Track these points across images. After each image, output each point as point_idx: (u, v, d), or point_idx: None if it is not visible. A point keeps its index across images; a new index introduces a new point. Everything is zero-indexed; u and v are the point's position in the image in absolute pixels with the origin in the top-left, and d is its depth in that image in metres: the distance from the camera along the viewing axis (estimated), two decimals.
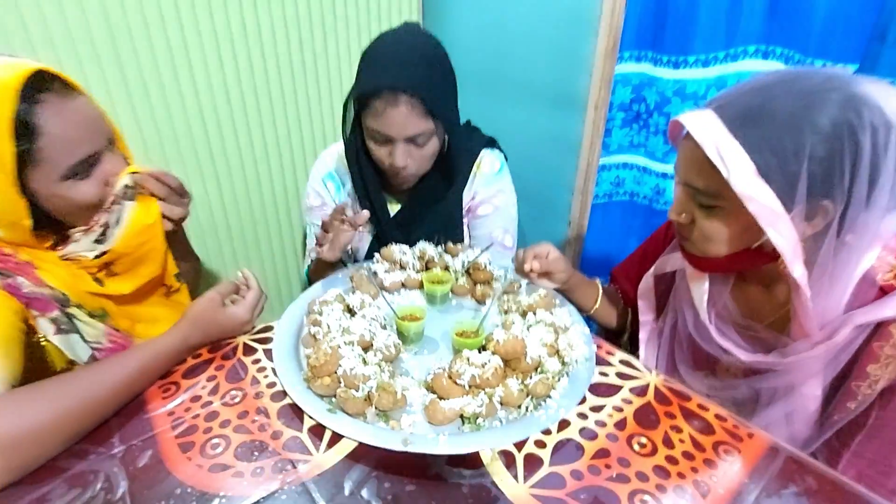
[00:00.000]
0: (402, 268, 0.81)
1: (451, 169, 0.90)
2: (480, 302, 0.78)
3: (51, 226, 0.63)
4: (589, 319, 0.85)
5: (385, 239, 0.91)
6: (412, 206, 0.93)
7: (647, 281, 0.80)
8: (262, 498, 0.46)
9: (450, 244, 0.85)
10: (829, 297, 0.56)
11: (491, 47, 1.18)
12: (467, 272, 0.80)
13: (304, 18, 1.13)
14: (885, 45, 0.86)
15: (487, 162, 0.95)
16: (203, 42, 1.00)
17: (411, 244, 0.84)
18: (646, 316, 0.81)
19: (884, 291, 0.55)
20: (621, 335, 0.91)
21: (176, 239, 0.79)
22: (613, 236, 1.37)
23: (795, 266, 0.53)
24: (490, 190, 0.95)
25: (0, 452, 0.45)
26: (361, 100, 0.79)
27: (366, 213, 0.78)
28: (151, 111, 0.98)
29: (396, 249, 0.81)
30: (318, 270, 0.90)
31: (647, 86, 1.14)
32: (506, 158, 1.00)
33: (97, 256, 0.65)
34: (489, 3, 1.25)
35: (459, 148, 0.90)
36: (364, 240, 0.98)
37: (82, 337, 0.62)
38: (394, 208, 0.96)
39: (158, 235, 0.69)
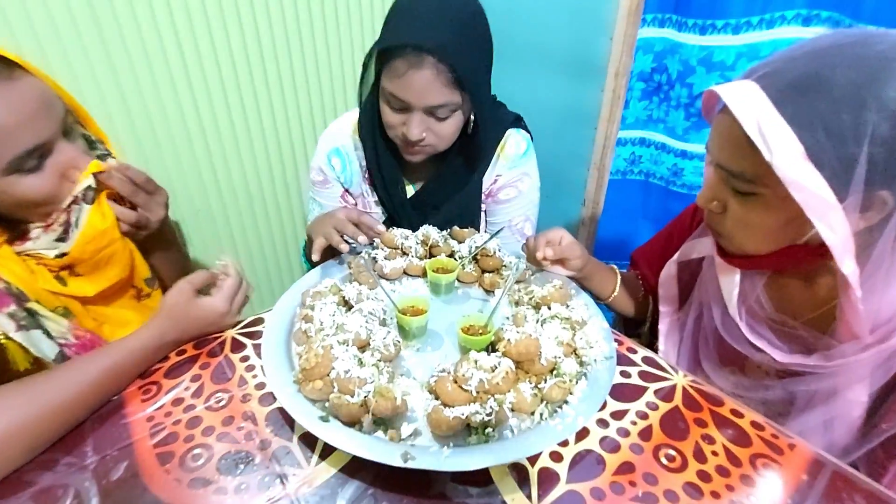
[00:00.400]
0: (404, 254, 0.75)
1: (476, 151, 0.81)
2: (489, 291, 0.72)
3: (2, 221, 0.57)
4: (605, 307, 0.79)
5: (398, 223, 0.83)
6: (431, 189, 0.85)
7: (669, 269, 0.73)
8: None
9: (456, 228, 0.78)
10: (883, 296, 0.49)
11: (502, 7, 1.07)
12: (475, 259, 0.73)
13: None
14: None
15: (513, 143, 0.86)
16: (193, 20, 0.91)
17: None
18: (666, 307, 0.75)
19: None
20: (641, 325, 0.85)
21: (158, 238, 0.72)
22: (628, 216, 1.29)
23: (846, 262, 0.46)
24: (514, 173, 0.87)
25: None
26: (382, 57, 0.70)
27: (364, 240, 0.70)
28: (141, 95, 0.91)
29: (398, 234, 0.75)
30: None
31: (670, 53, 1.04)
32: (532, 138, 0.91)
33: (58, 256, 0.59)
34: None
35: (485, 128, 0.80)
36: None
37: (47, 333, 0.57)
38: (409, 191, 0.88)
39: (116, 239, 0.63)
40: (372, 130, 0.80)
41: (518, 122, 0.89)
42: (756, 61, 1.01)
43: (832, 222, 0.44)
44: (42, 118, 0.54)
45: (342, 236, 0.69)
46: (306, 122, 1.18)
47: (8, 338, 0.54)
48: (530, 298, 0.64)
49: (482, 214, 0.91)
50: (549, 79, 1.14)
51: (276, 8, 1.01)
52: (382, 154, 0.80)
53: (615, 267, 0.81)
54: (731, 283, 0.61)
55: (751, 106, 0.45)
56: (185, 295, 0.58)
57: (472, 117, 0.78)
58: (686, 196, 1.16)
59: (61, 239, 0.60)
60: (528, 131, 0.90)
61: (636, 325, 0.86)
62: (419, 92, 0.68)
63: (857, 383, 0.54)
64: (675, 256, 0.73)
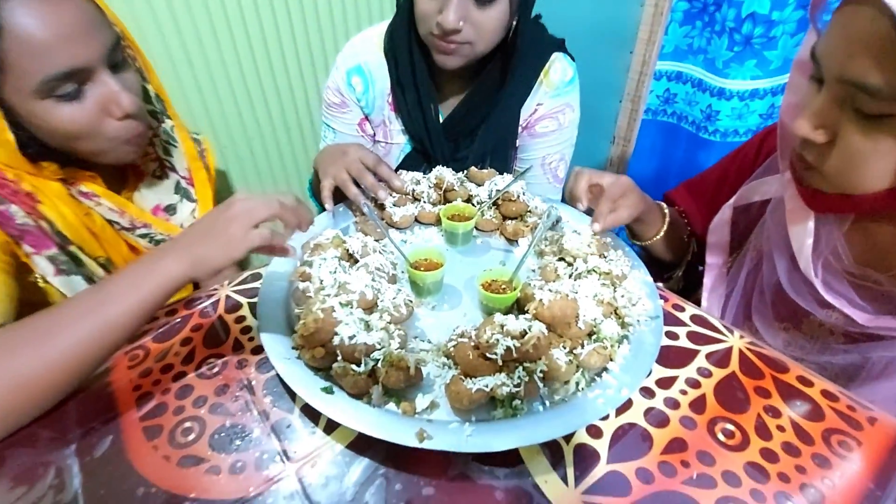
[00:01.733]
0: (416, 200, 0.66)
1: (515, 68, 0.70)
2: (512, 241, 0.63)
3: (52, 155, 0.55)
4: (637, 248, 0.70)
5: (427, 150, 0.74)
6: (465, 110, 0.74)
7: (723, 213, 0.64)
8: (242, 501, 0.37)
9: (473, 169, 0.68)
10: None
11: None
12: (495, 204, 0.64)
13: None
14: None
15: (558, 68, 0.75)
16: None
17: (458, 163, 0.68)
18: (715, 258, 0.66)
19: None
20: (672, 269, 0.76)
21: None
22: (655, 158, 1.17)
23: None
24: (557, 102, 0.76)
25: None
26: None
27: (384, 195, 0.63)
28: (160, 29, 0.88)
29: (408, 178, 0.66)
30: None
31: None
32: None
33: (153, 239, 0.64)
34: None
35: (527, 44, 0.69)
36: (393, 153, 0.81)
37: (88, 279, 0.56)
38: (442, 115, 0.77)
39: None
40: (407, 38, 0.69)
41: (562, 45, 0.77)
42: None
43: None
44: (82, 41, 0.49)
45: (357, 185, 0.61)
46: (318, 46, 1.09)
47: (46, 281, 0.53)
48: (560, 252, 0.56)
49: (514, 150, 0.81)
50: None
51: None
52: (418, 63, 0.70)
53: (664, 205, 0.71)
54: (803, 230, 0.51)
55: None
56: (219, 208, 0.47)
57: (514, 24, 0.66)
58: (718, 144, 1.03)
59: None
60: (574, 59, 0.77)
61: (666, 269, 0.77)
62: None
63: None
64: (733, 200, 0.63)
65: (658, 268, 0.78)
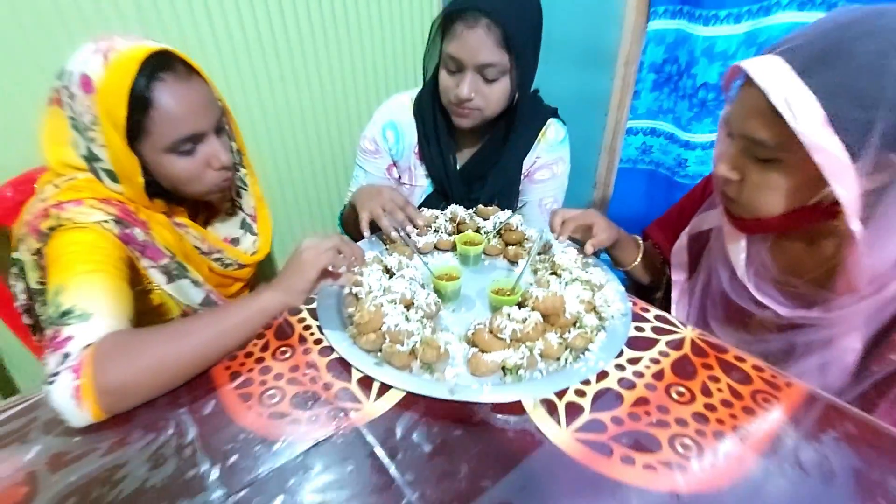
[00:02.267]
0: (435, 231, 0.82)
1: (516, 129, 0.89)
2: (513, 262, 0.79)
3: (162, 195, 0.70)
4: (623, 276, 0.86)
5: (446, 192, 0.91)
6: (477, 161, 0.93)
7: (681, 240, 0.80)
8: (320, 441, 0.49)
9: (480, 206, 0.85)
10: (882, 251, 0.53)
11: None
12: (499, 233, 0.81)
13: None
14: None
15: (553, 130, 0.95)
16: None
17: (471, 202, 0.85)
18: (678, 275, 0.81)
19: None
20: (654, 291, 0.91)
21: None
22: (638, 201, 1.35)
23: (854, 220, 0.51)
24: (552, 156, 0.95)
25: (106, 393, 0.50)
26: (445, 24, 0.79)
27: (412, 230, 0.79)
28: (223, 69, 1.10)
29: (429, 213, 0.82)
30: (351, 222, 0.91)
31: (681, 44, 1.09)
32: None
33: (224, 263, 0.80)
34: None
35: (527, 111, 0.89)
36: (416, 193, 0.98)
37: (193, 282, 0.70)
38: (459, 163, 0.96)
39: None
40: (432, 103, 0.89)
41: (556, 112, 0.97)
42: (754, 48, 1.06)
43: (846, 182, 0.49)
44: (202, 114, 0.66)
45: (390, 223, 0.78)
46: (353, 105, 1.34)
47: (161, 288, 0.66)
48: (552, 268, 0.71)
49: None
50: (563, 68, 1.20)
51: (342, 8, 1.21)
52: (440, 124, 0.89)
53: (639, 238, 0.87)
54: (738, 248, 0.67)
55: (777, 78, 0.50)
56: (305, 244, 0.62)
57: (516, 96, 0.85)
58: (689, 186, 1.22)
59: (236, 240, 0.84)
60: (565, 122, 0.98)
61: (650, 293, 0.93)
62: (472, 50, 0.76)
63: (853, 331, 0.59)
64: (687, 229, 0.79)
65: (643, 291, 0.93)
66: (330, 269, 0.60)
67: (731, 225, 0.66)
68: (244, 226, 0.85)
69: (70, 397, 0.49)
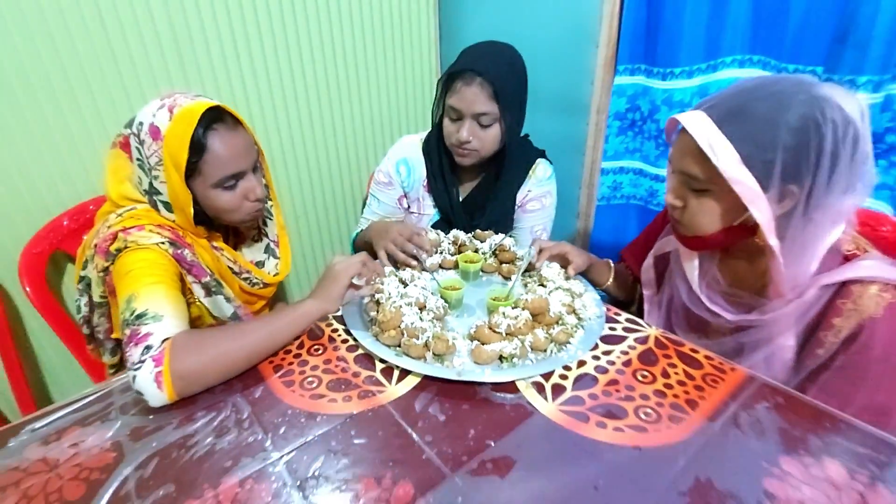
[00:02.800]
0: (439, 252, 0.96)
1: (510, 168, 1.06)
2: (506, 278, 0.92)
3: (205, 222, 0.83)
4: (603, 294, 0.99)
5: (451, 220, 1.06)
6: (477, 193, 1.09)
7: (648, 261, 0.94)
8: (355, 414, 0.61)
9: (478, 231, 0.99)
10: (799, 264, 0.66)
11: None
12: (494, 253, 0.95)
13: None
14: (845, 46, 0.99)
15: (542, 168, 1.11)
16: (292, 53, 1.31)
17: (472, 229, 1.00)
18: (648, 291, 0.95)
19: (847, 259, 0.67)
20: (630, 305, 1.05)
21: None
22: (616, 229, 1.52)
23: (771, 237, 0.64)
24: (541, 190, 1.11)
25: (180, 378, 0.61)
26: (448, 81, 0.97)
27: (425, 256, 0.92)
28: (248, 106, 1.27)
29: (433, 236, 0.96)
30: (363, 249, 1.04)
31: (641, 95, 1.29)
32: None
33: (251, 282, 0.92)
34: (500, 23, 1.41)
35: (519, 152, 1.07)
36: (424, 221, 1.13)
37: (226, 297, 0.82)
38: (461, 196, 1.12)
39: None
40: (437, 145, 1.06)
41: (544, 154, 1.14)
42: (706, 98, 1.26)
43: (760, 207, 0.63)
44: (244, 157, 0.78)
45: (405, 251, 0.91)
46: (366, 146, 1.54)
47: (200, 301, 0.79)
48: (540, 278, 0.85)
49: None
50: (544, 116, 1.39)
51: (352, 62, 1.42)
52: (445, 163, 1.06)
53: (610, 261, 1.02)
54: (692, 266, 0.80)
55: (703, 128, 0.65)
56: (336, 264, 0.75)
57: (507, 143, 1.02)
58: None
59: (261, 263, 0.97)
60: (552, 162, 1.15)
61: (626, 307, 1.06)
62: (469, 102, 0.94)
63: (786, 331, 0.70)
64: (652, 250, 0.93)
65: (621, 306, 1.06)
66: (355, 281, 0.74)
67: (680, 244, 0.81)
68: (268, 250, 0.97)
69: (152, 381, 0.60)
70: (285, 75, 1.30)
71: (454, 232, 0.98)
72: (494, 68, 0.93)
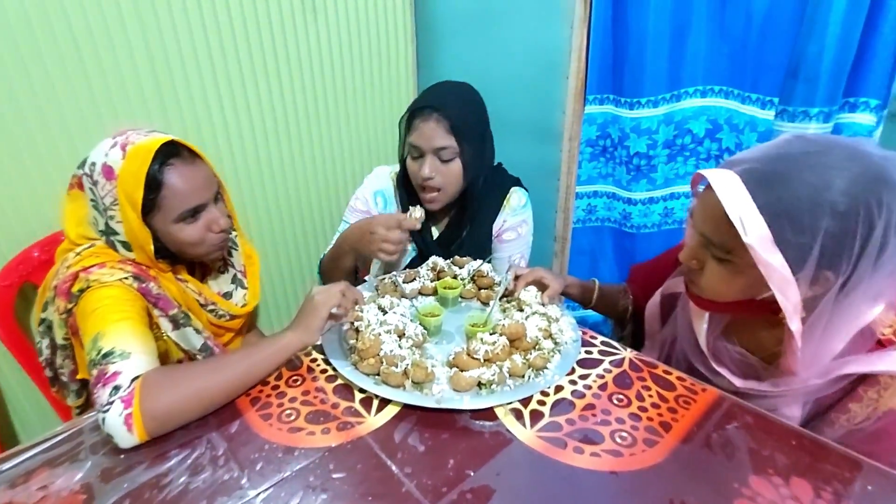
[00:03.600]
0: (417, 280, 0.97)
1: (483, 199, 1.08)
2: (485, 303, 0.94)
3: (168, 257, 0.81)
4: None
5: (427, 257, 1.06)
6: (452, 230, 1.11)
7: (655, 297, 0.88)
8: (333, 447, 0.60)
9: (457, 257, 1.01)
10: (821, 345, 0.59)
11: (485, 90, 1.39)
12: (473, 279, 0.96)
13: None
14: (797, 81, 1.07)
15: (516, 197, 1.13)
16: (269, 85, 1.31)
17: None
18: (651, 328, 0.90)
19: (881, 345, 0.60)
20: (625, 324, 1.03)
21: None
22: (593, 251, 1.56)
23: (794, 321, 0.58)
24: (516, 220, 1.13)
25: (152, 417, 0.60)
26: (409, 120, 1.00)
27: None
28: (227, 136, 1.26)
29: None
30: (332, 267, 1.04)
31: (611, 123, 1.35)
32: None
33: (218, 314, 0.89)
34: (475, 56, 1.46)
35: (492, 182, 1.10)
36: (405, 254, 1.13)
37: (195, 329, 0.79)
38: (434, 233, 1.13)
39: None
40: (405, 185, 1.08)
41: (518, 182, 1.17)
42: (671, 126, 1.32)
43: (788, 293, 0.56)
44: (204, 189, 0.77)
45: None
46: (344, 175, 1.55)
47: (167, 336, 0.76)
48: (519, 302, 0.86)
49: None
50: (519, 144, 1.44)
51: (322, 101, 1.41)
52: (414, 203, 1.06)
53: (595, 281, 1.01)
54: (701, 320, 0.74)
55: (733, 193, 0.56)
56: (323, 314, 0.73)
57: (477, 177, 1.04)
58: (635, 235, 1.43)
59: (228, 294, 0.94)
60: (527, 189, 1.17)
61: (623, 328, 1.04)
62: (428, 137, 0.96)
63: (793, 404, 0.66)
64: (661, 288, 0.87)
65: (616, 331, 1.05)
66: (334, 311, 0.74)
67: (692, 302, 0.73)
68: (235, 281, 0.95)
69: (122, 423, 0.58)
70: (265, 105, 1.30)
71: (433, 258, 0.99)
72: (450, 103, 0.97)
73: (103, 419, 0.59)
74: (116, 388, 0.60)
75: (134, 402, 0.59)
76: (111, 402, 0.59)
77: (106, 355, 0.63)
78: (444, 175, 1.00)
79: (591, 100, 1.30)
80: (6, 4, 0.90)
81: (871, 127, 1.04)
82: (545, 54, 1.30)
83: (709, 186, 0.60)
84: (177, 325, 0.79)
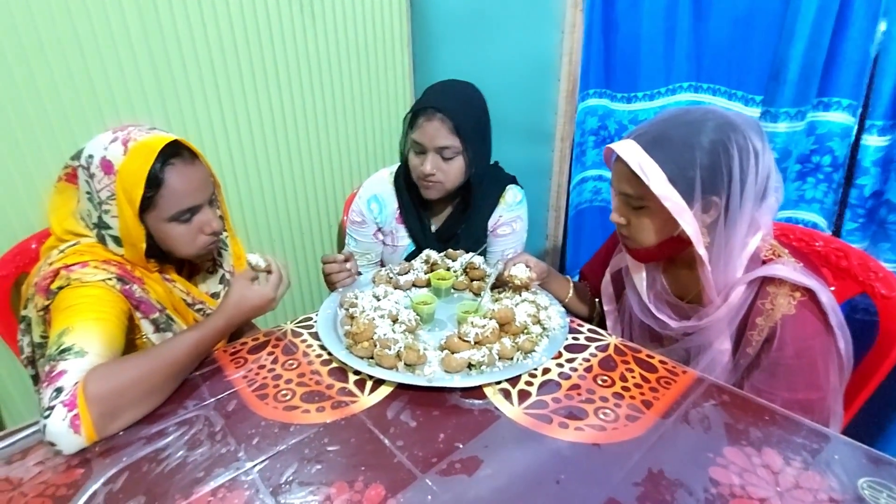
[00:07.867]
0: (412, 272, 1.00)
1: (481, 196, 1.12)
2: (476, 294, 0.96)
3: (157, 256, 0.81)
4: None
5: (425, 249, 1.10)
6: (450, 224, 1.14)
7: (605, 278, 1.00)
8: (328, 423, 0.62)
9: (450, 250, 1.04)
10: (724, 269, 0.75)
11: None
12: (465, 271, 0.99)
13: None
14: (779, 83, 1.11)
15: (511, 193, 1.17)
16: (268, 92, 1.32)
17: None
18: (609, 306, 1.00)
19: (765, 263, 0.75)
20: (591, 321, 1.10)
21: None
22: (589, 243, 1.59)
23: (699, 247, 0.73)
24: (511, 215, 1.17)
25: (97, 403, 0.58)
26: (412, 119, 1.03)
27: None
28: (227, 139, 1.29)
29: (406, 264, 1.00)
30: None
31: (608, 116, 1.39)
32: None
33: (205, 313, 0.88)
34: (469, 59, 1.51)
35: (490, 179, 1.14)
36: (399, 251, 1.17)
37: (176, 334, 0.78)
38: (432, 228, 1.17)
39: None
40: (407, 179, 1.11)
41: (514, 180, 1.20)
42: (634, 128, 1.36)
43: (687, 220, 0.71)
44: (201, 191, 0.78)
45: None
46: (342, 175, 1.60)
47: (148, 338, 0.76)
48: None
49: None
50: (513, 144, 1.48)
51: (321, 108, 1.45)
52: (414, 196, 1.12)
53: (570, 278, 1.08)
54: (640, 277, 0.88)
55: (634, 154, 0.73)
56: (247, 289, 0.75)
57: (475, 172, 1.07)
58: None
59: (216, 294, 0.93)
60: (522, 187, 1.21)
61: (590, 322, 1.11)
62: (431, 136, 1.00)
63: (721, 335, 0.78)
64: (609, 268, 1.00)
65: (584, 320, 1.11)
66: (253, 263, 0.78)
67: (630, 256, 0.87)
68: (223, 281, 0.95)
69: (68, 426, 0.55)
70: (263, 107, 1.33)
71: (426, 251, 1.02)
72: (454, 105, 1.01)
73: (44, 426, 0.55)
74: (58, 391, 0.57)
75: (78, 402, 0.56)
76: (52, 407, 0.56)
77: (63, 351, 0.61)
78: (444, 172, 1.04)
79: (589, 94, 1.34)
80: (9, 1, 0.92)
81: (849, 126, 1.08)
82: (537, 57, 1.35)
83: (617, 157, 0.76)
84: (157, 328, 0.79)
